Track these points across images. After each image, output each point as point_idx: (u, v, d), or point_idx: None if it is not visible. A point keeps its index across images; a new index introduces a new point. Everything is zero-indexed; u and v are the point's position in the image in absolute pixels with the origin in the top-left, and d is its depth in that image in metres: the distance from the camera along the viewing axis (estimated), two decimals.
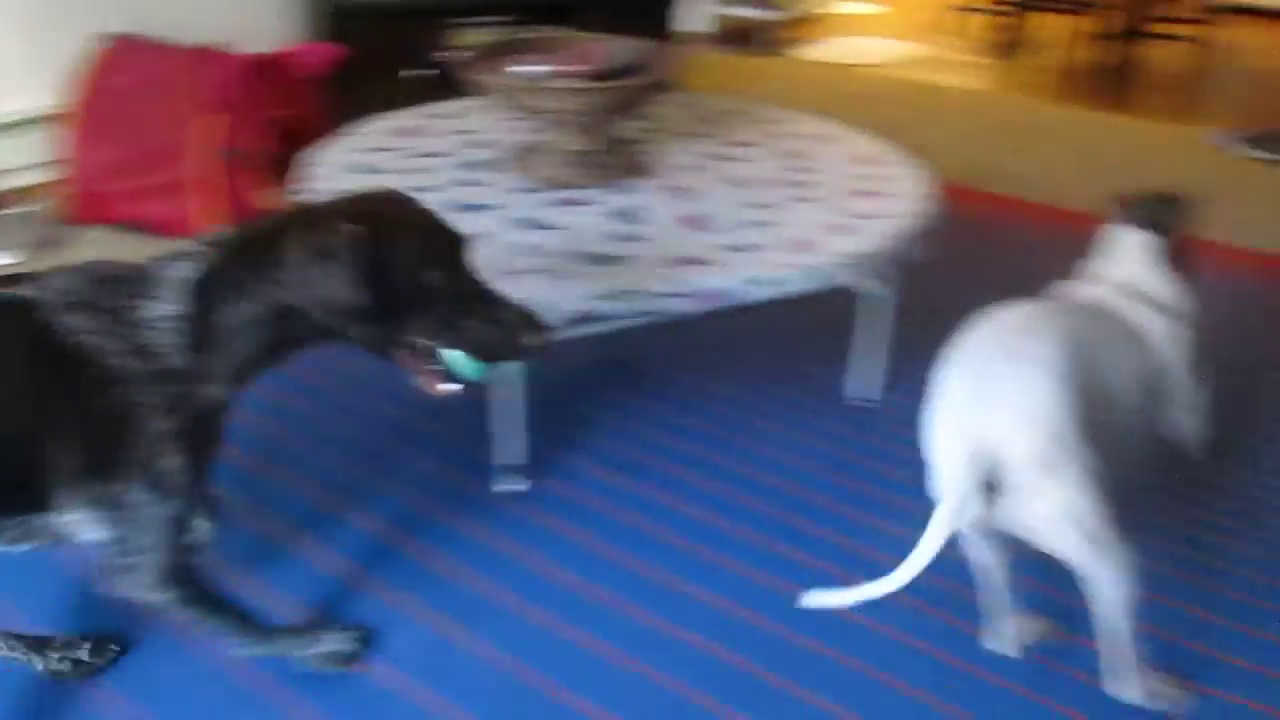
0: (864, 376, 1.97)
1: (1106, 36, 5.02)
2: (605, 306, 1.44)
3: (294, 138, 2.70)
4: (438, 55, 3.34)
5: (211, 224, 2.51)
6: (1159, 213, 1.37)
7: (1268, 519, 1.70)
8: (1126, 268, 1.34)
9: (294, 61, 2.87)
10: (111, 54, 2.75)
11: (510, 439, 1.66)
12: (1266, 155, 3.55)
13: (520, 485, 1.68)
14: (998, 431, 1.09)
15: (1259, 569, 1.58)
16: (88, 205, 2.68)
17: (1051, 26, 5.70)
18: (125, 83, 2.69)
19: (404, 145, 1.99)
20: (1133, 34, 5.19)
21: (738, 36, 5.12)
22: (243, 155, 2.63)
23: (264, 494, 1.67)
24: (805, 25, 5.59)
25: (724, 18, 5.10)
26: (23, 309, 1.01)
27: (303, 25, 3.38)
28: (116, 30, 2.81)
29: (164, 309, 1.03)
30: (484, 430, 1.70)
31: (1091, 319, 1.26)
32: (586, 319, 1.47)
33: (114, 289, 1.04)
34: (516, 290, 1.41)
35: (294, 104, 2.77)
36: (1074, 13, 5.36)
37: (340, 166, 1.86)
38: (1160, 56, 5.20)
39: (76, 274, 1.05)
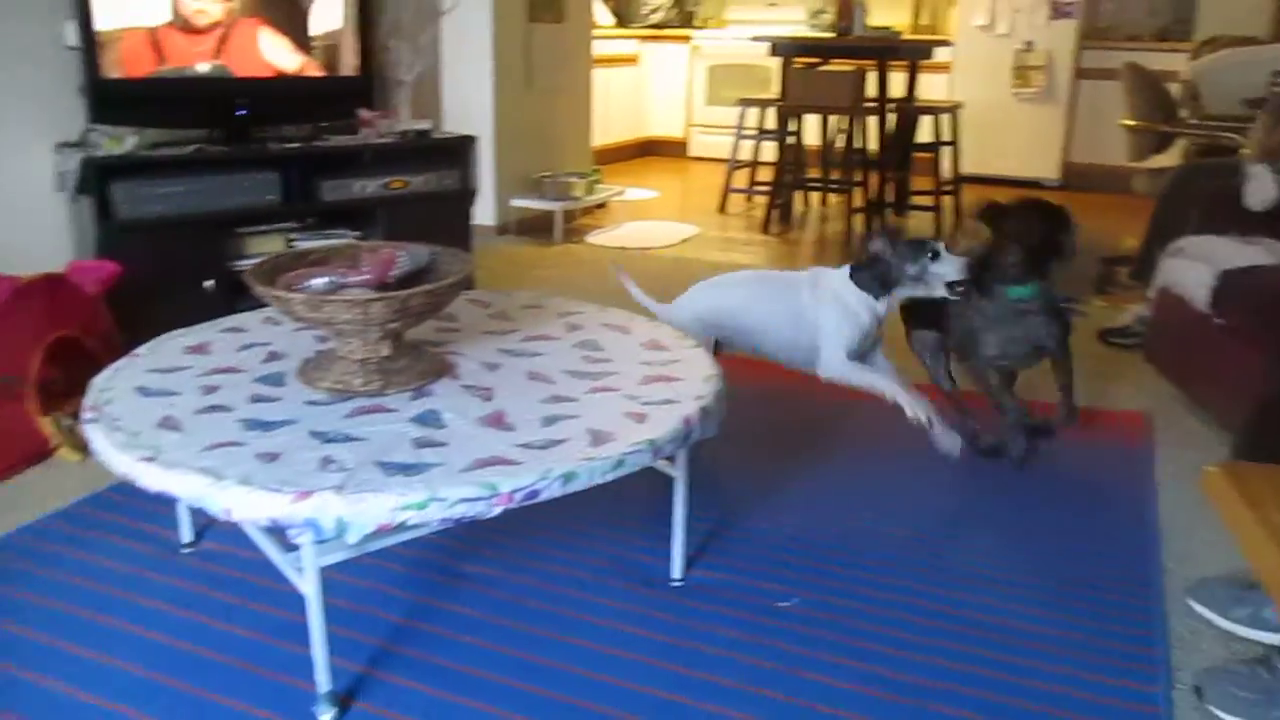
0: (672, 556, 2.01)
1: (864, 210, 5.51)
2: (411, 517, 1.42)
3: (75, 361, 2.60)
4: (227, 266, 3.32)
5: None
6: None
7: None
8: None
9: (70, 281, 2.77)
10: None
11: (322, 663, 1.59)
12: None
13: (330, 712, 1.60)
14: None
15: None
16: None
17: (815, 203, 6.24)
18: None
19: (195, 364, 1.94)
20: (889, 206, 5.74)
21: (531, 228, 5.32)
22: (14, 382, 2.50)
23: None
24: (595, 213, 5.87)
25: (516, 209, 5.30)
26: None
27: (80, 242, 3.28)
28: None
29: None
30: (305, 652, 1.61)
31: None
32: (392, 530, 1.45)
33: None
34: (312, 511, 1.40)
35: (72, 325, 2.67)
36: (837, 191, 5.88)
37: (130, 389, 1.79)
38: (913, 225, 5.75)
39: None
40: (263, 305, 2.15)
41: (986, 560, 2.14)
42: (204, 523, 2.13)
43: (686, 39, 8.14)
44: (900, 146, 5.84)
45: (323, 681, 1.61)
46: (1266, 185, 2.98)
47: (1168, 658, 1.79)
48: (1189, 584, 1.99)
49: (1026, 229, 2.42)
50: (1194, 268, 2.81)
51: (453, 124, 4.76)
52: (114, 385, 1.83)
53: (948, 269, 2.35)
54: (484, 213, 4.93)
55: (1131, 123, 4.82)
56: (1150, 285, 3.26)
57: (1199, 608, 1.92)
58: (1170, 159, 4.86)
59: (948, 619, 1.89)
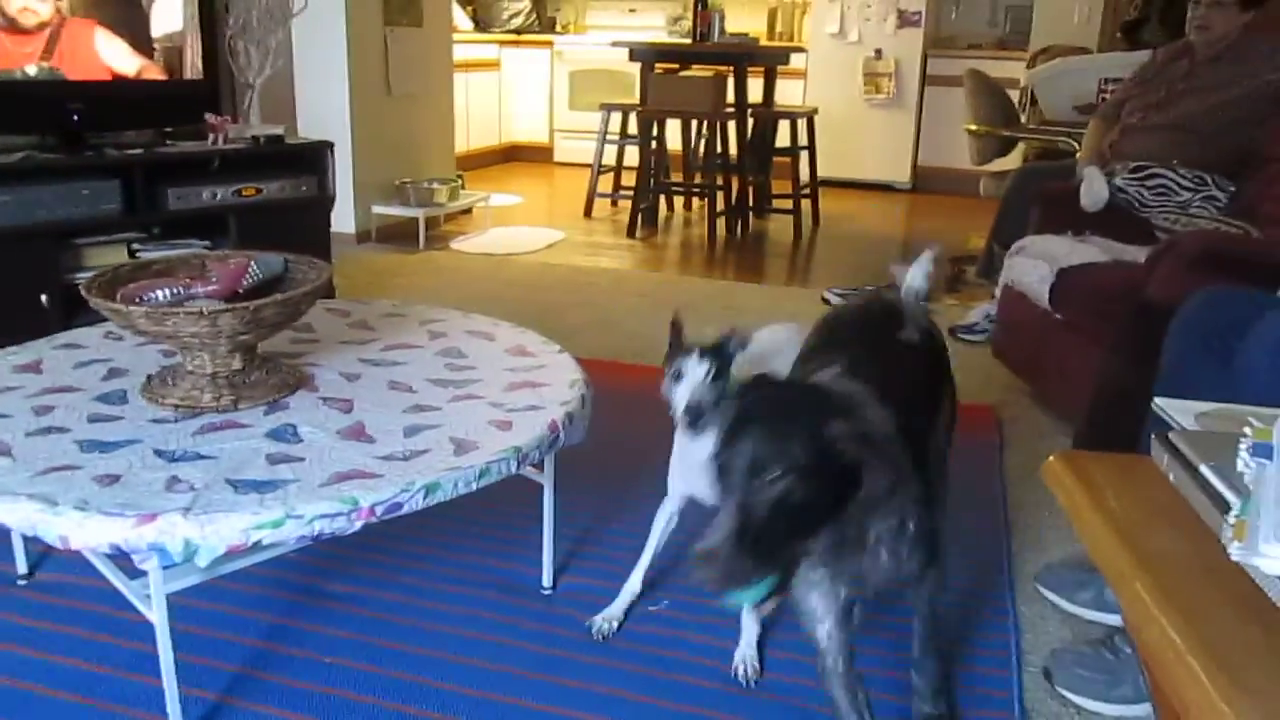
0: (542, 564, 1.99)
1: (726, 213, 5.60)
2: (266, 536, 1.36)
3: None
4: (64, 280, 3.13)
5: None
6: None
7: None
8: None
9: None
10: None
11: (173, 694, 1.51)
12: None
13: None
14: None
15: None
16: None
17: (679, 207, 6.31)
18: None
19: (26, 383, 1.82)
20: (750, 209, 5.85)
21: (394, 235, 5.21)
22: None
23: None
24: (459, 220, 5.80)
25: (377, 216, 5.18)
26: None
27: None
28: None
29: None
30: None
31: None
32: (246, 551, 1.39)
33: None
34: (157, 535, 1.32)
35: None
36: (699, 195, 5.97)
37: None
38: (773, 228, 5.88)
39: None
40: (103, 320, 2.03)
41: None
42: (40, 551, 2.00)
43: (548, 44, 8.12)
44: (760, 151, 5.96)
45: (174, 713, 1.53)
46: (1099, 187, 3.16)
47: (1018, 642, 1.87)
48: (1036, 570, 2.09)
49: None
50: (1035, 266, 2.95)
51: (308, 129, 4.62)
52: None
53: (681, 390, 1.66)
54: (343, 220, 4.80)
55: (975, 127, 5.04)
56: (995, 283, 3.41)
57: (1046, 592, 2.02)
58: (1011, 162, 5.11)
59: None
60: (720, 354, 1.68)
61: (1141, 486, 1.07)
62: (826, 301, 4.14)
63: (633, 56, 5.79)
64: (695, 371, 1.65)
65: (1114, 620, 1.89)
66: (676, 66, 5.93)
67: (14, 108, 3.24)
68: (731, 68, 5.57)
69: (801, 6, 7.65)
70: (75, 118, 3.28)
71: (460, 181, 5.63)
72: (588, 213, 6.11)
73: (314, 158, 3.84)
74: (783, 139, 5.98)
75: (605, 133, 5.93)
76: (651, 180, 5.80)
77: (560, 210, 6.33)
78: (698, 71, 5.79)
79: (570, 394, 1.82)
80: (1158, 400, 1.21)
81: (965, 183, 6.32)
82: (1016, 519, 2.35)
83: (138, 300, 1.71)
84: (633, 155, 5.91)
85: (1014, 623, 1.93)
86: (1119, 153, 3.35)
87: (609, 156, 6.09)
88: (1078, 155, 3.85)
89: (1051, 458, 1.13)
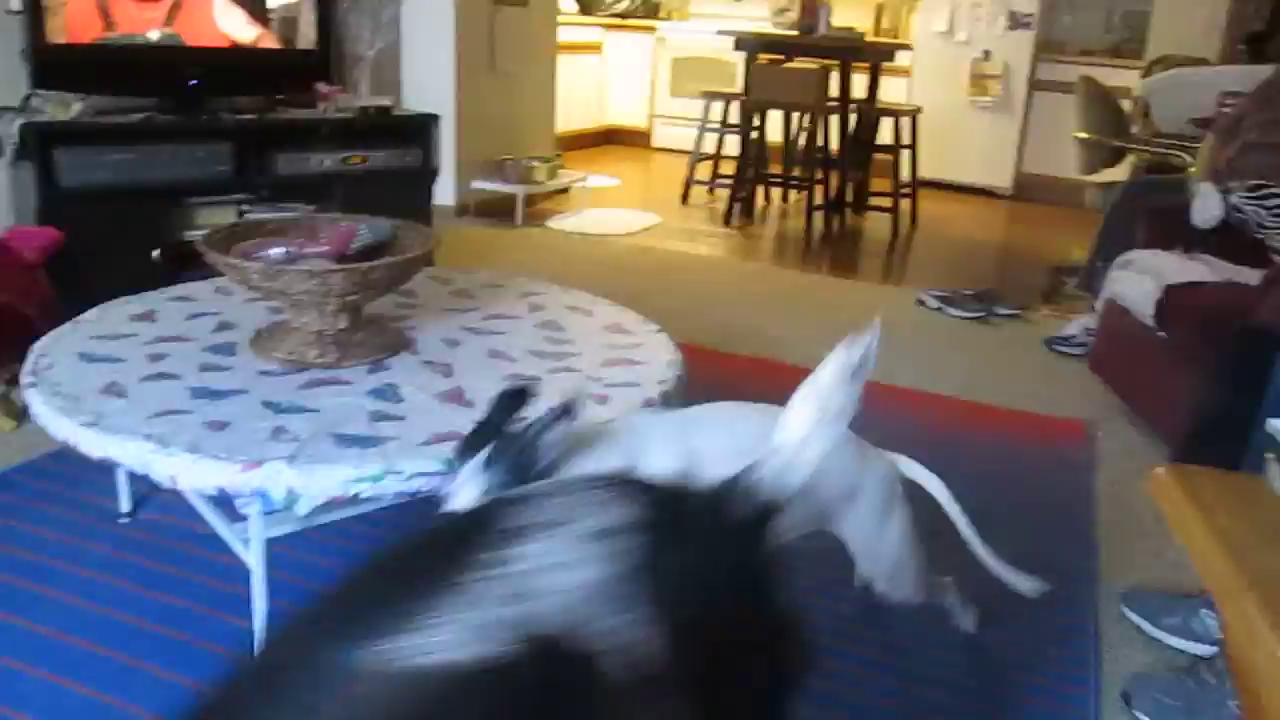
0: None
1: (824, 208, 5.55)
2: (365, 490, 1.40)
3: (11, 328, 2.52)
4: (175, 237, 3.25)
5: None
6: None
7: None
8: None
9: (7, 247, 2.70)
10: None
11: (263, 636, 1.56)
12: (960, 313, 4.00)
13: None
14: None
15: None
16: None
17: (776, 198, 6.27)
18: None
19: (142, 331, 1.90)
20: (847, 205, 5.79)
21: (492, 211, 5.28)
22: None
23: None
24: (556, 199, 5.85)
25: (476, 191, 5.26)
26: None
27: (20, 209, 3.19)
28: None
29: None
30: None
31: None
32: (344, 504, 1.43)
33: None
34: (262, 481, 1.37)
35: (8, 291, 2.59)
36: (798, 187, 5.92)
37: (73, 356, 1.75)
38: (870, 225, 5.81)
39: None
40: (211, 276, 2.11)
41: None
42: (143, 492, 2.08)
43: (651, 29, 8.12)
44: (861, 147, 5.89)
45: None
46: (1212, 204, 3.05)
47: (1098, 663, 1.83)
48: (1123, 591, 2.04)
49: None
50: (1140, 281, 2.87)
51: (412, 102, 4.70)
52: (55, 351, 1.78)
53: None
54: (443, 193, 4.88)
55: (1084, 135, 4.91)
56: (1097, 296, 3.33)
57: (1131, 615, 1.97)
58: (1120, 173, 4.96)
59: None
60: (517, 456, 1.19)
61: (1253, 505, 1.04)
62: (922, 304, 4.08)
63: (738, 46, 5.76)
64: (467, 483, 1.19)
65: (1199, 649, 1.84)
66: (781, 58, 5.88)
67: (136, 71, 3.37)
68: (837, 62, 5.51)
69: (909, 3, 7.51)
70: (193, 82, 3.40)
71: (559, 161, 5.68)
72: (684, 199, 6.11)
73: (420, 130, 3.91)
74: (884, 136, 5.90)
75: (706, 121, 5.91)
76: (750, 170, 5.78)
77: (656, 195, 6.33)
78: (802, 64, 5.74)
79: (667, 374, 1.83)
80: (1271, 421, 1.18)
81: (1069, 192, 6.16)
82: (1105, 538, 2.29)
83: (253, 257, 1.77)
84: (732, 144, 5.88)
85: (1095, 643, 1.89)
86: (1236, 170, 3.23)
87: (708, 144, 6.08)
88: (1191, 170, 3.73)
89: (1159, 470, 1.11)
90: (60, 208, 3.02)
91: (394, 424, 1.55)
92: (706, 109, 5.90)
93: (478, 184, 5.25)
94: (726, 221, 5.61)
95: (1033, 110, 7.02)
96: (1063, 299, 4.31)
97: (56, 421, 1.53)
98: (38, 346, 1.80)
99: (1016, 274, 4.90)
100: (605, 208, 5.80)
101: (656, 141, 8.24)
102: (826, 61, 5.55)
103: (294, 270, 1.71)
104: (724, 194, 5.85)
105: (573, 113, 7.38)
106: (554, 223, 5.30)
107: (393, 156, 3.80)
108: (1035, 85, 6.95)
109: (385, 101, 3.92)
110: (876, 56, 6.00)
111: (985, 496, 2.45)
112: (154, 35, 3.35)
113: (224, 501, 1.62)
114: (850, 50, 5.66)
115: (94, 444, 1.48)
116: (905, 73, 7.06)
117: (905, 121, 5.75)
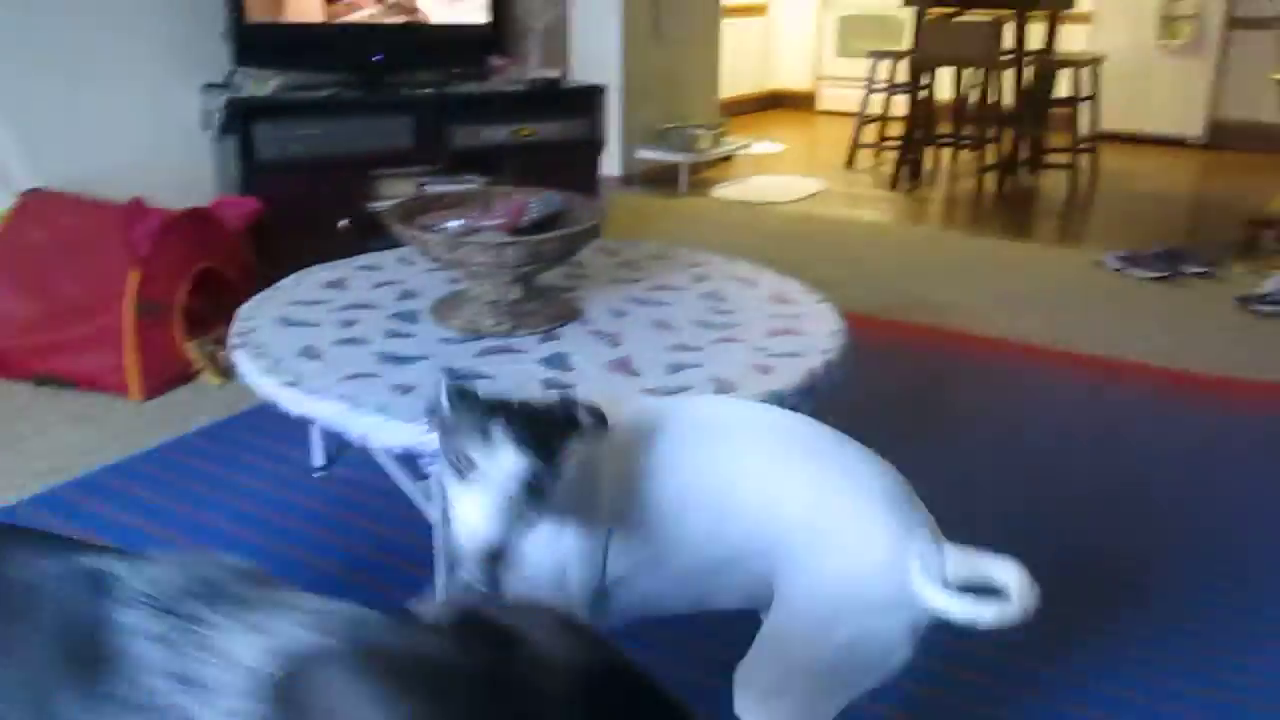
0: None
1: (997, 168, 5.34)
2: None
3: (217, 291, 2.73)
4: (362, 207, 3.43)
5: (131, 377, 2.52)
6: None
7: None
8: None
9: (215, 215, 2.91)
10: (27, 209, 2.76)
11: (444, 587, 1.66)
12: (1143, 273, 3.79)
13: None
14: None
15: None
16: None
17: (946, 160, 6.07)
18: (41, 237, 2.70)
19: (333, 298, 2.03)
20: (1021, 164, 5.55)
21: (656, 179, 5.33)
22: (161, 309, 2.64)
23: None
24: (719, 166, 5.84)
25: (643, 161, 5.31)
26: None
27: (224, 180, 3.43)
28: (32, 185, 2.84)
29: None
30: None
31: None
32: None
33: None
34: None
35: (215, 258, 2.80)
36: (968, 147, 5.71)
37: (273, 320, 1.89)
38: (1046, 184, 5.55)
39: None
40: (394, 245, 2.22)
41: (1120, 538, 2.09)
42: (335, 448, 2.23)
43: None
44: (1037, 101, 5.62)
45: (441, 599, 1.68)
46: None
47: None
48: None
49: None
50: None
51: (580, 73, 4.78)
52: (258, 315, 1.92)
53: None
54: (609, 163, 4.95)
55: None
56: None
57: None
58: None
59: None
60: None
61: None
62: (1101, 265, 3.89)
63: (908, 1, 5.58)
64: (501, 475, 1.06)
65: None
66: (953, 11, 5.66)
67: (326, 48, 3.56)
68: (1012, 12, 5.26)
69: None
70: (376, 58, 3.56)
71: (723, 128, 5.66)
72: (850, 163, 5.99)
73: (587, 101, 3.98)
74: (1062, 89, 5.61)
75: (873, 80, 5.77)
76: (918, 131, 5.61)
77: (821, 160, 6.23)
78: (974, 16, 5.50)
79: (831, 343, 1.82)
80: None
81: (1271, 138, 5.71)
82: None
83: (433, 229, 1.85)
84: (899, 105, 5.72)
85: None
86: None
87: (875, 105, 5.93)
88: None
89: None
90: (258, 179, 3.24)
91: (565, 391, 1.61)
92: (874, 68, 5.75)
93: (642, 153, 5.30)
94: (893, 185, 5.48)
95: (1230, 50, 6.52)
96: (1260, 254, 4.02)
97: (261, 380, 1.66)
98: (242, 310, 1.94)
99: (1208, 229, 4.61)
100: (769, 174, 5.76)
101: (822, 104, 8.09)
102: (1001, 12, 5.30)
103: (472, 242, 1.79)
104: (891, 156, 5.70)
105: (738, 77, 7.33)
106: (718, 191, 5.29)
107: (561, 128, 3.88)
108: (1233, 23, 6.44)
109: (554, 73, 4.00)
110: (1056, 4, 5.68)
111: (1174, 467, 2.33)
112: (363, 14, 3.52)
113: (409, 460, 1.72)
114: None
115: (294, 402, 1.60)
116: (1085, 20, 6.67)
117: (1085, 72, 5.45)
